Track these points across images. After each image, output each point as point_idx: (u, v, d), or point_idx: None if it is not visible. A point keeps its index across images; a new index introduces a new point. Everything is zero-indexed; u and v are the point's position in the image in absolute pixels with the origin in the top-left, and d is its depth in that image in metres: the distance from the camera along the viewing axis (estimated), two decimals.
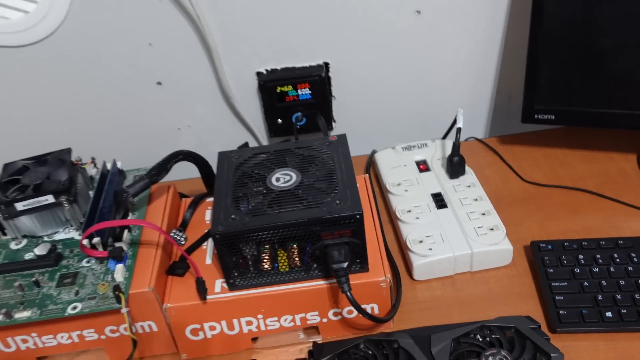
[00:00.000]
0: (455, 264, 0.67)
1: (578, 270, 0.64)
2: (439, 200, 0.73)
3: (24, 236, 0.66)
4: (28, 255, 0.64)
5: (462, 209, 0.71)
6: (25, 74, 0.82)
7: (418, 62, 0.86)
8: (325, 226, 0.55)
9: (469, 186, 0.75)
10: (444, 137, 0.87)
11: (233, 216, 0.56)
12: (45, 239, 0.66)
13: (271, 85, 0.84)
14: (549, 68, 0.75)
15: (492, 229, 0.68)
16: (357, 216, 0.55)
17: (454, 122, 0.83)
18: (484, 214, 0.70)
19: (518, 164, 0.83)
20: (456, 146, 0.75)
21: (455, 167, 0.76)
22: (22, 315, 0.57)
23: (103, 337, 0.61)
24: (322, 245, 0.56)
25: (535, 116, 0.78)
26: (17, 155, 0.70)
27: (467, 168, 0.77)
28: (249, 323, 0.61)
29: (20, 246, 0.66)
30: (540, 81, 0.76)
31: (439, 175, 0.78)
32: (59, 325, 0.60)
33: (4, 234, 0.66)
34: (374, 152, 0.88)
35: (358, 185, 0.59)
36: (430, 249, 0.67)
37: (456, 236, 0.68)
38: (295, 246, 0.58)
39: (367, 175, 0.73)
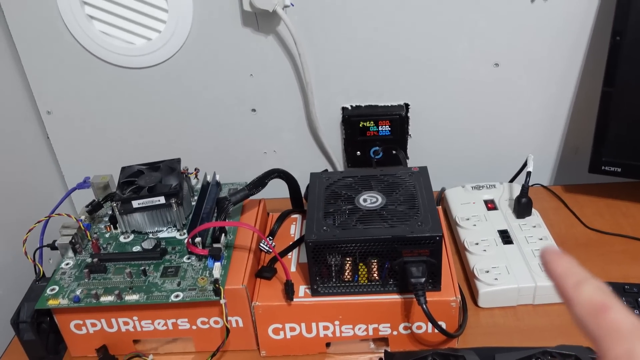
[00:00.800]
0: (518, 294, 0.72)
1: (638, 313, 0.68)
2: (505, 237, 0.79)
3: (132, 231, 0.75)
4: (135, 248, 0.72)
5: (528, 246, 0.76)
6: (141, 93, 0.93)
7: (492, 110, 0.93)
8: (407, 244, 0.62)
9: (534, 226, 0.80)
10: (512, 181, 0.92)
11: (325, 228, 0.63)
12: (151, 235, 0.74)
13: (355, 120, 0.92)
14: (618, 124, 0.81)
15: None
16: (437, 237, 0.61)
17: (523, 167, 0.89)
18: None
19: (581, 212, 0.88)
20: (525, 188, 0.81)
21: (522, 207, 0.81)
22: (131, 297, 0.65)
23: (194, 327, 0.68)
24: (402, 261, 0.62)
25: (602, 167, 0.83)
26: (128, 163, 0.79)
27: (533, 210, 0.82)
28: (325, 328, 0.67)
29: (128, 240, 0.74)
30: (610, 135, 0.81)
31: (506, 214, 0.83)
32: (158, 311, 0.67)
33: (115, 228, 0.75)
34: (443, 189, 0.94)
35: None
36: (495, 278, 0.72)
37: (521, 270, 0.73)
38: (375, 261, 0.64)
39: (439, 207, 0.79)
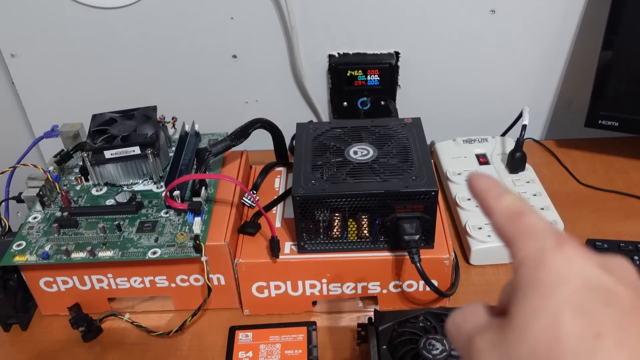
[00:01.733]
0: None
1: None
2: None
3: (105, 184, 0.70)
4: (109, 202, 0.68)
5: None
6: (113, 35, 0.86)
7: (486, 61, 0.88)
8: (401, 199, 0.58)
9: (528, 182, 0.77)
10: (504, 134, 0.89)
11: (313, 182, 0.59)
12: (125, 188, 0.70)
13: (342, 68, 0.87)
14: (618, 77, 0.77)
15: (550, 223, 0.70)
16: (433, 193, 0.58)
17: (516, 120, 0.85)
18: (542, 209, 0.73)
19: (574, 167, 0.85)
20: (520, 142, 0.78)
21: (516, 162, 0.78)
22: (105, 254, 0.61)
23: (173, 285, 0.65)
24: (394, 217, 0.59)
25: (599, 122, 0.80)
26: (90, 112, 0.73)
27: (526, 165, 0.79)
28: (312, 286, 0.64)
29: (100, 193, 0.69)
30: (608, 89, 0.78)
31: (498, 169, 0.80)
32: (134, 268, 0.63)
33: (87, 180, 0.70)
34: (433, 142, 0.91)
35: None
36: (489, 235, 0.69)
37: None
38: (365, 217, 0.61)
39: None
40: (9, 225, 0.67)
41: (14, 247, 0.63)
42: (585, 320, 0.22)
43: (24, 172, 0.70)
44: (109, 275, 0.64)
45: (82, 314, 0.65)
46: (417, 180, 0.59)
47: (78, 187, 0.70)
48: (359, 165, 0.61)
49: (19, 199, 0.68)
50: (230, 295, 0.66)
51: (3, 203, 0.70)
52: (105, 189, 0.70)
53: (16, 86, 0.93)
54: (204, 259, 0.59)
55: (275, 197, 0.70)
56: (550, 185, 0.81)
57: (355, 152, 0.63)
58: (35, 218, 0.66)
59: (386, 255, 0.62)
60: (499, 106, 0.93)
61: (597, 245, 0.69)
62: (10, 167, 0.68)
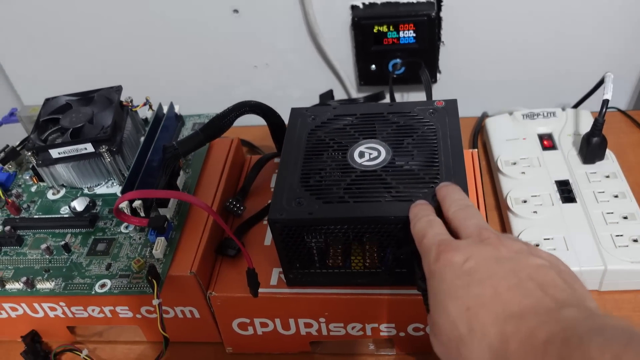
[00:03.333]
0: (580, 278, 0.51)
1: None
2: (566, 192, 0.57)
3: (62, 185, 0.57)
4: (64, 209, 0.55)
5: (597, 208, 0.55)
6: None
7: (558, 7, 0.67)
8: None
9: (607, 176, 0.58)
10: (576, 106, 0.68)
11: (298, 200, 0.44)
12: (86, 191, 0.57)
13: (367, 24, 0.69)
14: None
15: (635, 241, 0.52)
16: None
17: (595, 88, 0.65)
18: (626, 218, 0.54)
19: None
20: (599, 123, 0.58)
21: (593, 149, 0.59)
22: (44, 286, 0.49)
23: (138, 316, 0.52)
24: (409, 251, 0.43)
25: None
26: (74, 88, 0.59)
27: (607, 151, 0.60)
28: (307, 325, 0.50)
29: (57, 196, 0.57)
30: None
31: (568, 156, 0.61)
32: (88, 298, 0.51)
33: (42, 180, 0.58)
34: (484, 115, 0.72)
35: None
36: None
37: (585, 244, 0.52)
38: (374, 242, 0.45)
39: (475, 150, 0.58)
40: None
41: None
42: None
43: None
44: (61, 303, 0.52)
45: (35, 347, 0.54)
46: None
47: (33, 189, 0.58)
48: (363, 174, 0.45)
49: None
50: (208, 329, 0.53)
51: None
52: (63, 191, 0.57)
53: None
54: (155, 302, 0.45)
55: (268, 203, 0.55)
56: (638, 175, 0.62)
57: (362, 154, 0.46)
58: None
59: (403, 292, 0.46)
60: (574, 66, 0.72)
61: None
62: None
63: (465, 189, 0.42)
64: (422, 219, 0.39)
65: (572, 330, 0.27)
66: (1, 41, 0.79)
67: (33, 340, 0.55)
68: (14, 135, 0.73)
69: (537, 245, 0.53)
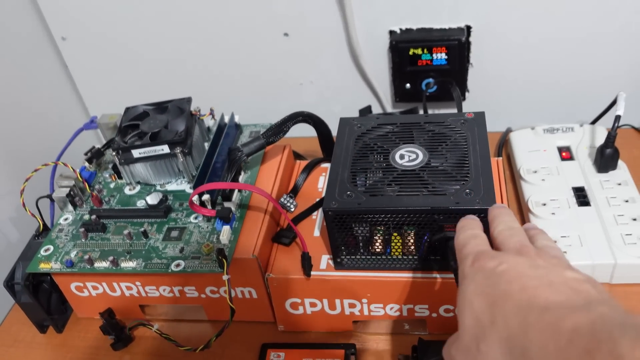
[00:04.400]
0: (592, 273, 0.58)
1: None
2: (581, 197, 0.64)
3: (138, 182, 0.66)
4: (140, 203, 0.63)
5: (609, 211, 0.62)
6: (156, 16, 0.81)
7: (576, 30, 0.75)
8: (451, 218, 0.49)
9: (619, 184, 0.65)
10: (594, 122, 0.75)
11: (349, 192, 0.52)
12: (158, 187, 0.65)
13: (404, 46, 0.77)
14: None
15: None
16: None
17: (610, 105, 0.71)
18: (635, 220, 0.60)
19: None
20: (612, 136, 0.65)
21: (606, 159, 0.65)
22: (127, 265, 0.57)
23: (203, 295, 0.60)
24: (444, 237, 0.50)
25: None
26: (143, 95, 0.69)
27: (619, 162, 0.67)
28: (351, 305, 0.57)
29: (134, 192, 0.65)
30: None
31: (584, 166, 0.68)
32: (162, 278, 0.59)
33: (120, 178, 0.66)
34: (509, 130, 0.79)
35: None
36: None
37: (598, 241, 0.59)
38: (412, 232, 0.52)
39: (500, 158, 0.65)
40: (43, 225, 0.65)
41: (42, 252, 0.60)
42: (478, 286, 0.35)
43: (63, 168, 0.67)
44: (137, 283, 0.60)
45: (113, 322, 0.62)
46: (471, 194, 0.49)
47: (112, 185, 0.67)
48: (404, 172, 0.53)
49: (51, 199, 0.65)
50: (264, 309, 0.60)
51: (43, 200, 0.68)
52: (138, 187, 0.66)
53: (70, 70, 0.91)
54: (225, 277, 0.53)
55: (317, 200, 0.63)
56: None
57: (402, 156, 0.54)
58: (66, 219, 0.64)
59: (436, 276, 0.54)
60: (592, 87, 0.79)
61: None
62: (42, 165, 0.65)
63: (491, 185, 0.50)
64: (468, 231, 0.41)
65: (602, 323, 0.26)
66: (75, 56, 0.89)
67: (110, 315, 0.63)
68: (90, 140, 0.83)
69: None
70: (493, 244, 0.39)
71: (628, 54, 0.76)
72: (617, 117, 0.64)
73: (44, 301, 0.63)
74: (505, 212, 0.42)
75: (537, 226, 0.43)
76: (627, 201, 0.62)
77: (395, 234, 0.53)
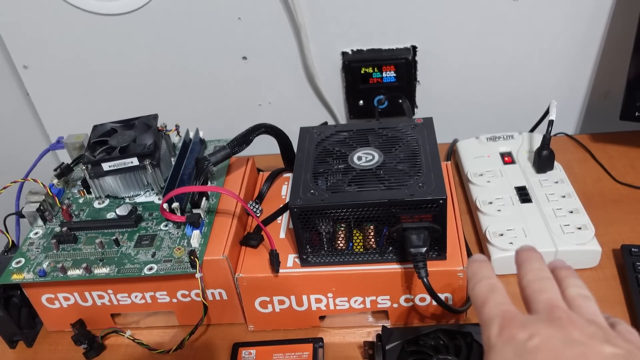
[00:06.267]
0: None
1: None
2: (523, 195, 0.70)
3: (107, 196, 0.68)
4: (110, 215, 0.66)
5: (548, 205, 0.68)
6: (116, 42, 0.85)
7: (511, 51, 0.82)
8: (406, 209, 0.54)
9: (556, 182, 0.71)
10: (532, 130, 0.82)
11: (312, 191, 0.56)
12: (127, 200, 0.68)
13: (356, 66, 0.83)
14: None
15: (579, 228, 0.64)
16: (441, 201, 0.53)
17: (544, 114, 0.79)
18: (571, 212, 0.66)
19: (610, 164, 0.78)
20: (546, 139, 0.71)
21: (543, 160, 0.72)
22: (101, 271, 0.59)
23: (174, 300, 0.62)
24: (400, 228, 0.55)
25: (636, 113, 0.73)
26: (105, 119, 0.71)
27: (555, 163, 0.73)
28: (318, 301, 0.61)
29: (102, 206, 0.67)
30: None
31: (524, 168, 0.74)
32: (134, 284, 0.61)
33: (89, 193, 0.69)
34: (455, 140, 0.85)
35: None
36: (510, 242, 0.64)
37: (540, 232, 0.65)
38: (371, 227, 0.57)
39: (449, 162, 0.71)
40: (12, 241, 0.66)
41: (13, 264, 0.61)
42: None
43: (30, 185, 0.69)
44: (109, 291, 0.62)
45: (84, 331, 0.63)
46: (424, 187, 0.54)
47: (81, 200, 0.69)
48: (362, 172, 0.57)
49: (20, 214, 0.67)
50: (234, 310, 0.63)
51: (10, 218, 0.70)
52: (107, 201, 0.68)
53: (31, 97, 0.92)
54: (198, 275, 0.56)
55: (281, 206, 0.67)
56: (583, 184, 0.75)
57: (360, 158, 0.59)
58: (36, 234, 0.65)
59: (395, 267, 0.58)
60: (527, 100, 0.87)
61: (634, 252, 0.63)
62: (10, 183, 0.67)
63: (442, 179, 0.55)
64: (483, 281, 0.37)
65: None
66: (37, 84, 0.91)
67: (82, 325, 0.64)
68: (52, 162, 0.84)
69: (501, 234, 0.65)
70: (521, 294, 0.36)
71: (556, 69, 0.84)
72: (551, 122, 0.71)
73: (14, 316, 0.64)
74: (535, 257, 0.38)
75: (565, 263, 0.39)
76: (563, 196, 0.69)
77: (355, 230, 0.57)
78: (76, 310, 0.64)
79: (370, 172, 0.57)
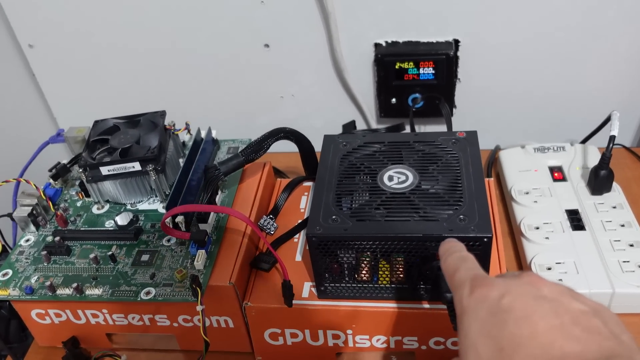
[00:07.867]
0: None
1: None
2: (576, 220, 0.61)
3: (107, 201, 0.61)
4: (108, 223, 0.59)
5: (605, 235, 0.59)
6: (128, 21, 0.77)
7: (568, 48, 0.72)
8: None
9: (614, 207, 0.62)
10: (584, 141, 0.73)
11: (334, 217, 0.48)
12: (129, 207, 0.61)
13: (390, 60, 0.74)
14: None
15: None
16: (485, 239, 0.45)
17: (601, 125, 0.69)
18: (632, 246, 0.58)
19: None
20: (606, 157, 0.62)
21: (600, 181, 0.63)
22: (93, 292, 0.53)
23: (175, 324, 0.56)
24: (436, 266, 0.47)
25: None
26: (111, 113, 0.64)
27: (614, 184, 0.64)
28: (335, 337, 0.53)
29: (102, 211, 0.61)
30: None
31: (577, 187, 0.65)
32: (130, 306, 0.54)
33: (87, 196, 0.62)
34: (497, 148, 0.77)
35: None
36: (560, 279, 0.55)
37: (595, 268, 0.56)
38: (401, 259, 0.49)
39: (491, 179, 0.62)
40: (2, 246, 0.60)
41: (0, 276, 0.55)
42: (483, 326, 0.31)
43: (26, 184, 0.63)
44: (104, 310, 0.56)
45: (76, 351, 0.57)
46: (465, 221, 0.46)
47: (79, 204, 0.62)
48: (393, 195, 0.49)
49: (12, 218, 0.60)
50: (241, 339, 0.56)
51: (2, 219, 0.64)
52: (107, 206, 0.61)
53: (37, 78, 0.86)
54: (199, 308, 0.49)
55: (299, 222, 0.59)
56: None
57: (391, 178, 0.51)
58: (27, 241, 0.59)
59: (426, 307, 0.50)
60: (581, 105, 0.77)
61: None
62: (3, 182, 0.60)
63: (487, 211, 0.46)
64: (454, 254, 0.39)
65: None
66: (43, 65, 0.84)
67: (74, 345, 0.58)
68: (57, 154, 0.78)
69: (549, 268, 0.57)
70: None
71: (616, 73, 0.74)
72: (612, 138, 0.62)
73: (2, 329, 0.58)
74: (460, 269, 0.38)
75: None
76: (623, 225, 0.60)
77: (382, 261, 0.50)
78: (69, 327, 0.58)
79: (403, 197, 0.49)
